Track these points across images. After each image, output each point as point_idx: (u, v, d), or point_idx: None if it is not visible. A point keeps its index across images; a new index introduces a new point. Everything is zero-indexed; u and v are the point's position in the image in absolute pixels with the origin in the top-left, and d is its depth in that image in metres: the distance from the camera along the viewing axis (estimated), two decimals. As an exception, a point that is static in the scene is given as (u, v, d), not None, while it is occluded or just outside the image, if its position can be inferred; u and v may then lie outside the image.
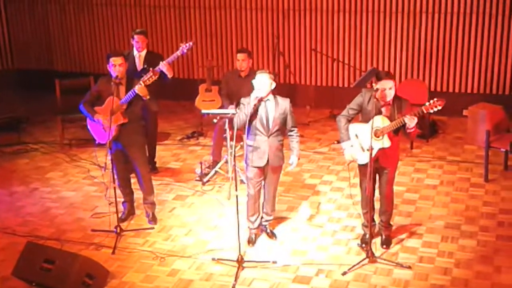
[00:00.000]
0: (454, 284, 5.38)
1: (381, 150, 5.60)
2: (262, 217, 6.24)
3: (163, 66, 7.07)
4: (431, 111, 5.48)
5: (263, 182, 6.07)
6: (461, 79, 9.29)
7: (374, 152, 5.56)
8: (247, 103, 5.75)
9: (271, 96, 5.83)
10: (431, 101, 5.45)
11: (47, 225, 6.62)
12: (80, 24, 10.92)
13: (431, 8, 9.15)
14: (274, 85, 5.79)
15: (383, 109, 5.58)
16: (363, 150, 5.64)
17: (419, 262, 5.72)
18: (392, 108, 5.60)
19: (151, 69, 6.44)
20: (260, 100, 5.76)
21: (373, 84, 5.67)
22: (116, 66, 6.16)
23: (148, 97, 6.22)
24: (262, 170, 5.97)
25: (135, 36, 7.53)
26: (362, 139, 5.65)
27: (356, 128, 5.72)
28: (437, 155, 8.11)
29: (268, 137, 5.84)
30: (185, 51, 7.20)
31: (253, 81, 5.78)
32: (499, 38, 8.98)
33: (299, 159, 6.07)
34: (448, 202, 6.82)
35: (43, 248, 5.59)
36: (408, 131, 5.57)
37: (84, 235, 6.40)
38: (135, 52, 7.57)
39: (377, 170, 5.77)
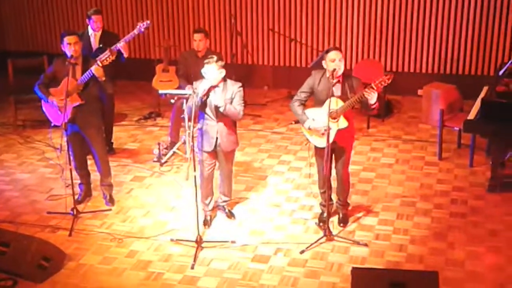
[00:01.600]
0: (409, 260, 5.50)
1: (339, 131, 5.64)
2: (220, 198, 6.25)
3: (121, 45, 6.97)
4: (381, 86, 5.45)
5: (216, 164, 6.06)
6: (415, 59, 9.42)
7: (333, 134, 5.60)
8: (196, 94, 5.66)
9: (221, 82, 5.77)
10: (380, 78, 5.41)
11: (1, 208, 6.50)
12: (32, 2, 10.65)
13: (386, -11, 9.24)
14: (223, 72, 5.72)
15: (334, 88, 5.58)
16: (322, 133, 5.64)
17: (375, 240, 5.82)
18: (343, 87, 5.62)
19: (108, 48, 6.33)
20: (211, 88, 5.70)
21: (323, 62, 5.66)
22: (70, 45, 6.04)
23: (103, 78, 6.12)
24: (214, 153, 5.94)
25: (93, 17, 7.38)
26: (319, 123, 5.66)
27: (311, 113, 5.73)
28: (392, 134, 8.24)
29: (217, 122, 5.80)
30: (142, 30, 7.11)
31: (202, 71, 5.72)
32: (453, 18, 9.11)
33: (223, 107, 5.63)
34: (403, 180, 6.94)
35: (-3, 231, 5.50)
36: (372, 107, 5.58)
37: (39, 217, 6.31)
38: (90, 32, 7.43)
39: (333, 150, 5.81)
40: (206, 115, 5.80)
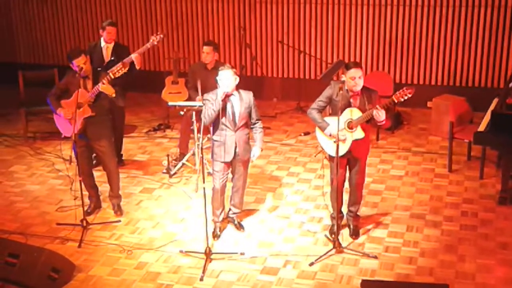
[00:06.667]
0: (419, 273, 5.46)
1: (355, 141, 5.64)
2: (230, 209, 6.25)
3: (136, 57, 7.02)
4: (402, 99, 5.52)
5: (229, 176, 6.08)
6: (425, 71, 9.41)
7: (348, 144, 5.60)
8: (215, 99, 5.72)
9: (235, 91, 5.83)
10: (401, 90, 5.50)
11: (11, 219, 6.52)
12: (43, 15, 10.74)
13: (396, 0, 9.24)
14: (237, 79, 5.79)
15: (352, 100, 5.62)
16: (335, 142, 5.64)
17: (385, 252, 5.79)
18: (361, 99, 5.64)
19: (121, 61, 6.37)
20: (228, 95, 5.75)
21: (341, 75, 5.70)
22: (80, 66, 6.04)
23: (113, 95, 6.15)
24: (229, 164, 5.97)
25: (108, 28, 7.41)
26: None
27: (329, 121, 5.74)
28: (402, 146, 8.21)
29: (235, 131, 5.85)
30: (155, 43, 7.18)
31: (217, 78, 5.76)
32: (463, 31, 9.10)
33: (262, 150, 6.10)
34: (413, 193, 6.91)
35: (7, 242, 5.50)
36: (379, 124, 5.61)
37: (49, 229, 6.32)
38: (103, 44, 7.48)
39: (349, 161, 5.82)
40: (223, 126, 5.83)
